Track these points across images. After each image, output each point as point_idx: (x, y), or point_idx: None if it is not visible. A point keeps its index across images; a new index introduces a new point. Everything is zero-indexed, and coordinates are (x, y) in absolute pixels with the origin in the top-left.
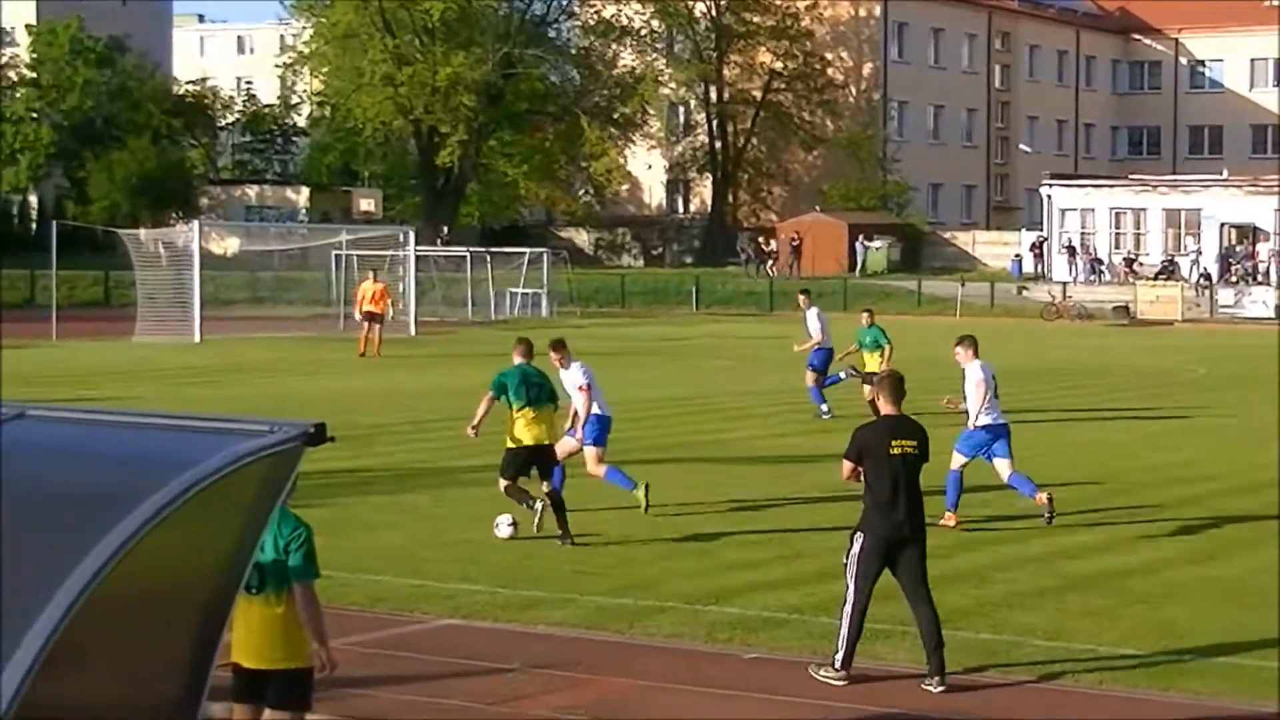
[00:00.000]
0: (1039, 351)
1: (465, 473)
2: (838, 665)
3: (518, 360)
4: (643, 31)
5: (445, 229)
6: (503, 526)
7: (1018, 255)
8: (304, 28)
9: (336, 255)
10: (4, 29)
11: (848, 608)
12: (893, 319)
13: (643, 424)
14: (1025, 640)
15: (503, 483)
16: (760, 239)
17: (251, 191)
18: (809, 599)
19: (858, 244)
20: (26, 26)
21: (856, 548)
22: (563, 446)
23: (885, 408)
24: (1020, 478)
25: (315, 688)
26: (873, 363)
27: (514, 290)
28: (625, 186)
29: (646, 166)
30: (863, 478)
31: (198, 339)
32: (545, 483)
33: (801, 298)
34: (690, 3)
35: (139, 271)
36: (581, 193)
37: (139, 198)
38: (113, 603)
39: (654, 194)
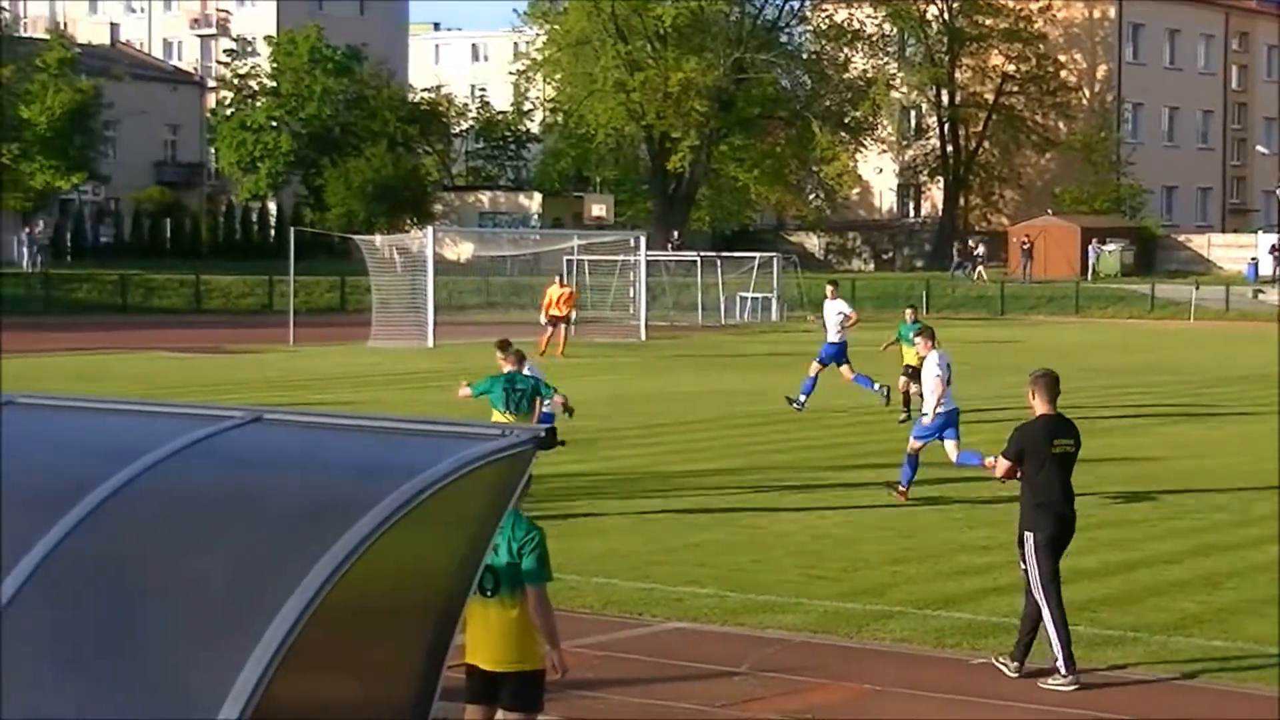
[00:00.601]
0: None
1: (694, 476)
2: (1063, 671)
3: (507, 368)
4: (874, 35)
5: (676, 234)
6: None
7: (1254, 258)
8: (537, 35)
9: (568, 260)
10: (245, 39)
11: (1045, 610)
12: (1125, 323)
13: (868, 428)
14: (1258, 649)
15: None
16: (970, 242)
17: (485, 198)
18: None
19: (1090, 247)
20: (266, 37)
21: (1030, 547)
22: None
23: (1041, 407)
24: (967, 454)
25: (546, 690)
26: (911, 356)
27: (744, 294)
28: (856, 191)
29: (877, 170)
30: (1022, 477)
31: (431, 344)
32: None
33: (829, 289)
34: (922, 6)
35: (374, 277)
36: (812, 197)
37: (375, 204)
38: (346, 606)
39: (885, 198)
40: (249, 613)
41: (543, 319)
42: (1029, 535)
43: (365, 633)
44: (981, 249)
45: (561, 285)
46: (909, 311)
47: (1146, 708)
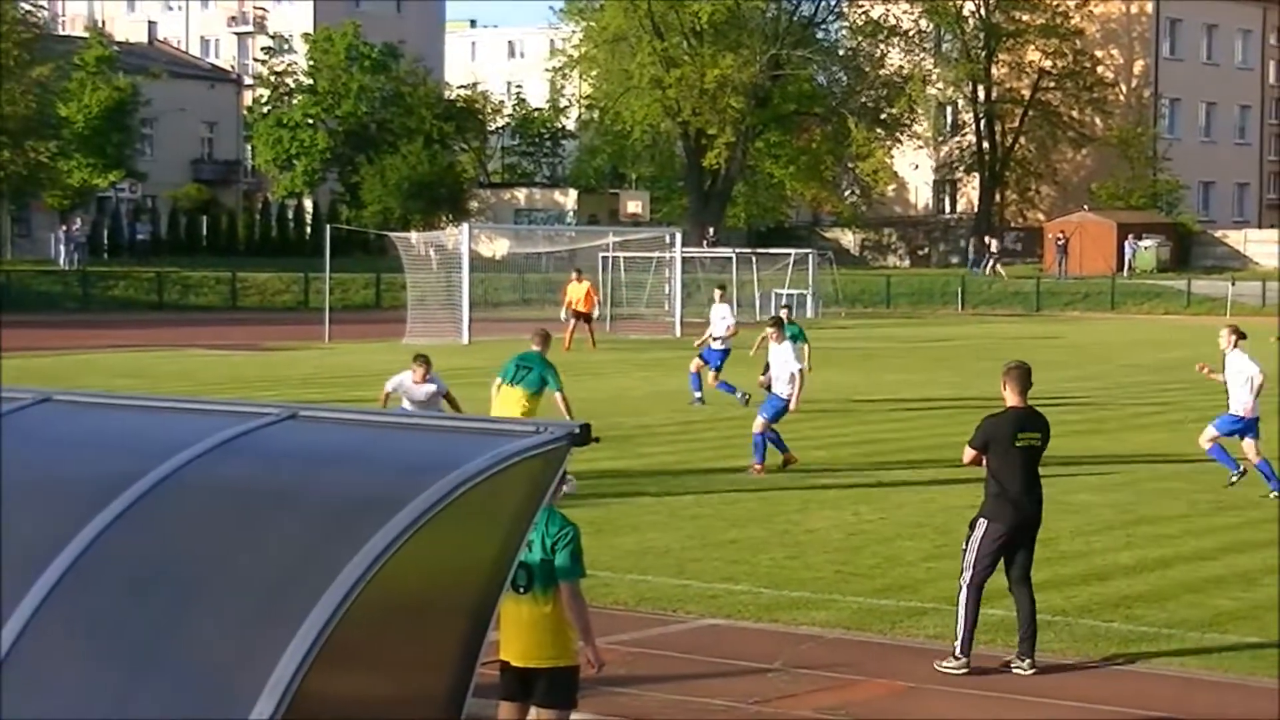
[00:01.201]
0: None
1: (730, 473)
2: (957, 653)
3: (534, 347)
4: (911, 31)
5: (712, 230)
6: None
7: None
8: (573, 31)
9: (604, 257)
10: (282, 37)
11: (963, 594)
12: (1161, 319)
13: (903, 425)
14: None
15: None
16: (987, 238)
17: (520, 194)
18: (1072, 600)
19: (1126, 243)
20: (303, 35)
21: (979, 534)
22: None
23: (1012, 399)
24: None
25: (580, 685)
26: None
27: (779, 291)
28: (892, 187)
29: (913, 167)
30: (986, 466)
31: (466, 340)
32: None
33: (718, 292)
34: (959, 2)
35: (409, 274)
36: (848, 193)
37: (411, 201)
38: (381, 602)
39: (920, 194)
40: (285, 608)
41: (563, 315)
42: (981, 521)
43: (400, 628)
44: (995, 245)
45: (579, 280)
46: None
47: (1181, 703)
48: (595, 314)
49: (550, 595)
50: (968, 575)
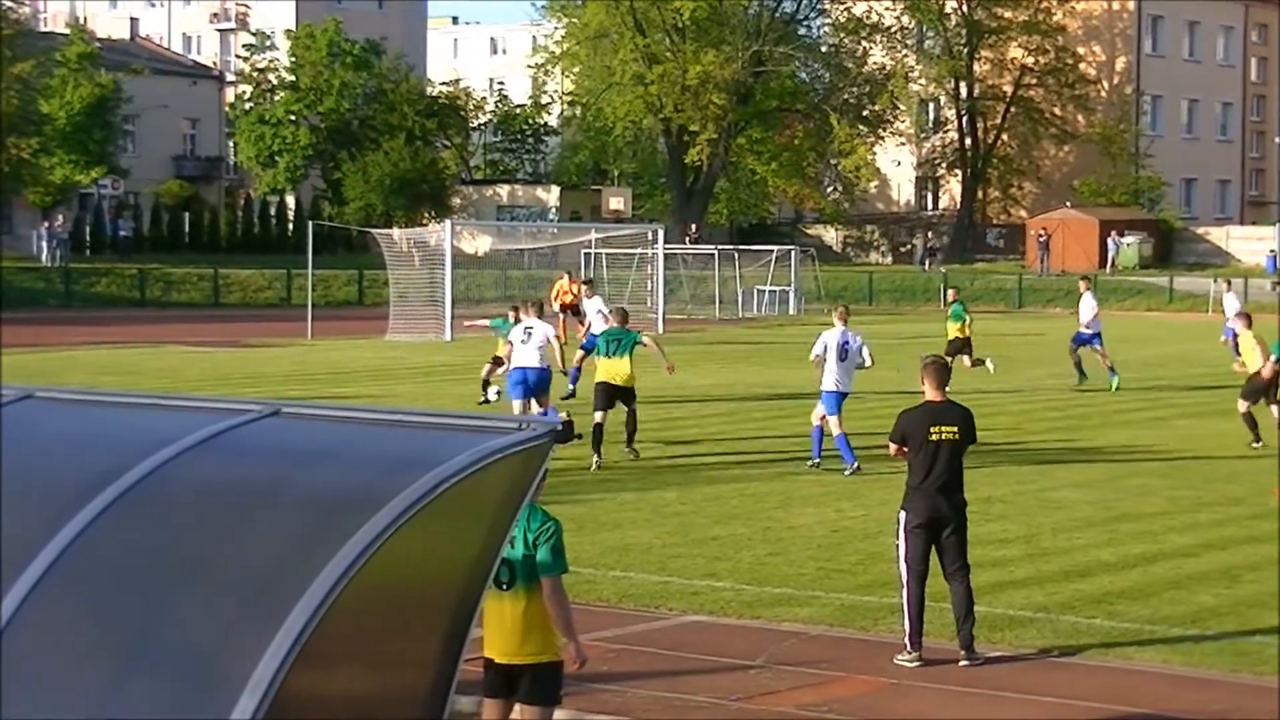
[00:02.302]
0: None
1: (712, 470)
2: (908, 647)
3: (614, 323)
4: (893, 28)
5: (694, 227)
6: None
7: (1273, 251)
8: (555, 28)
9: (586, 254)
10: (264, 33)
11: (903, 589)
12: (1143, 316)
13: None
14: (1276, 641)
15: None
16: (928, 235)
17: (503, 191)
18: (1054, 597)
19: (1109, 240)
20: (285, 31)
21: (901, 527)
22: None
23: (929, 393)
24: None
25: (564, 682)
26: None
27: (761, 288)
28: (874, 183)
29: (895, 163)
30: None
31: (449, 337)
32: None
33: (585, 287)
34: None
35: (392, 271)
36: (830, 190)
37: (393, 198)
38: (363, 600)
39: (903, 191)
40: (268, 605)
41: (555, 307)
42: (901, 514)
43: (382, 626)
44: (934, 241)
45: (571, 282)
46: (952, 292)
47: (1163, 699)
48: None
49: (533, 591)
50: (902, 567)
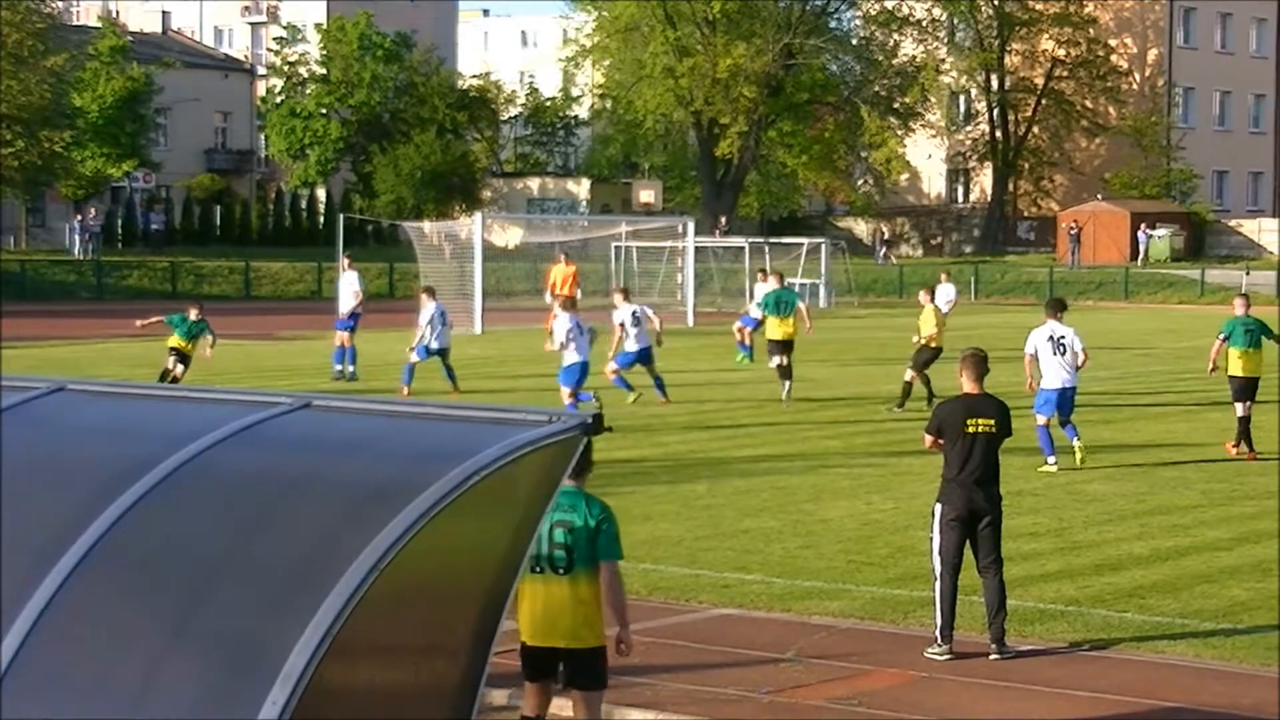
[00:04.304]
0: None
1: (743, 463)
2: (938, 640)
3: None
4: (924, 20)
5: (724, 219)
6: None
7: None
8: (586, 21)
9: (617, 247)
10: (295, 26)
11: (936, 582)
12: (1175, 309)
13: (918, 414)
14: None
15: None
16: (884, 229)
17: (534, 184)
18: (1085, 590)
19: (1140, 232)
20: (316, 25)
21: (937, 519)
22: None
23: (967, 385)
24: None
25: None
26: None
27: (792, 280)
28: (905, 176)
29: (926, 156)
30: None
31: (479, 330)
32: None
33: (619, 294)
34: None
35: (422, 264)
36: (861, 183)
37: (424, 191)
38: (395, 591)
39: (934, 183)
40: (300, 595)
41: (547, 298)
42: (938, 507)
43: (414, 617)
44: (887, 232)
45: (568, 264)
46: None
47: (1195, 693)
48: (579, 297)
49: (590, 576)
50: (936, 561)
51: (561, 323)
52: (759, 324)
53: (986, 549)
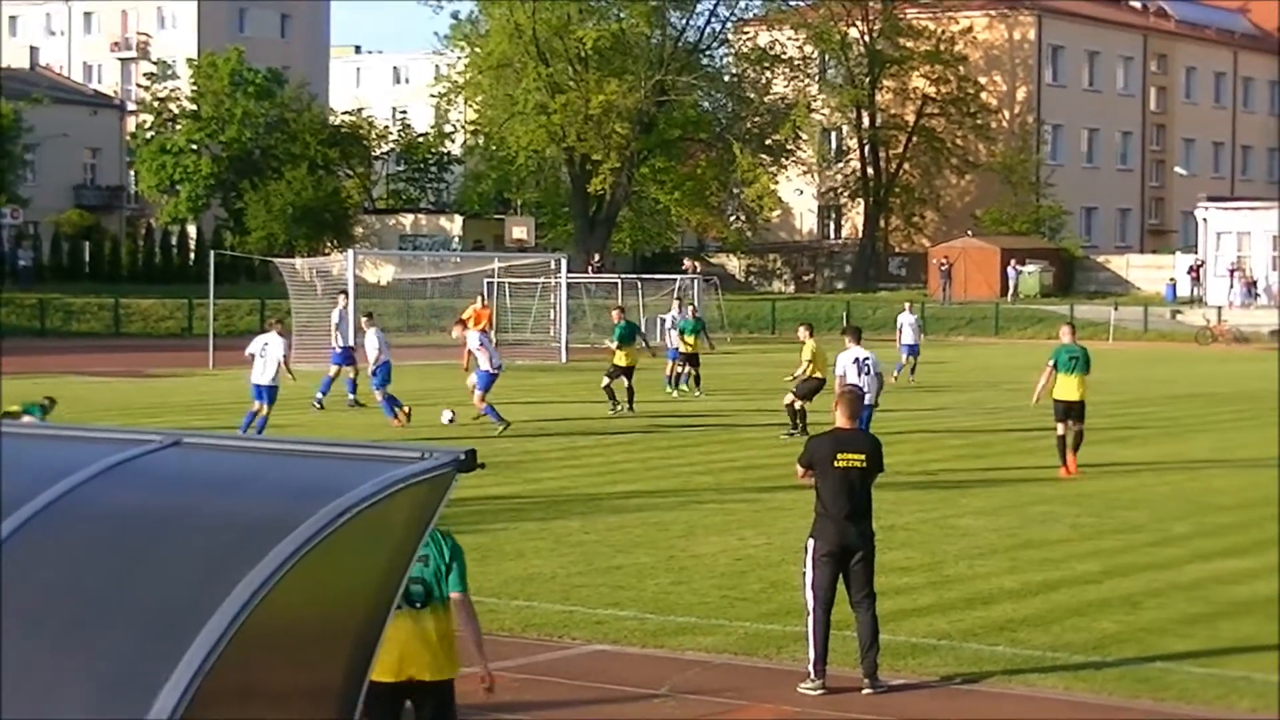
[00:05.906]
0: (1194, 376)
1: (616, 499)
2: (812, 675)
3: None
4: (795, 58)
5: (597, 256)
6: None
7: (1172, 279)
8: (459, 58)
9: (489, 283)
10: (166, 62)
11: (809, 617)
12: (1045, 344)
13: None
14: (1177, 668)
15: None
16: (686, 260)
17: (406, 220)
18: (957, 624)
19: (1010, 268)
20: (187, 60)
21: (809, 555)
22: None
23: (840, 420)
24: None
25: (469, 711)
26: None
27: (665, 316)
28: (777, 213)
29: (798, 192)
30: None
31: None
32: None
33: (364, 319)
34: (843, 29)
35: (294, 300)
36: (733, 219)
37: (296, 227)
38: (265, 631)
39: (805, 220)
40: (170, 636)
41: (455, 334)
42: (810, 542)
43: (285, 658)
44: (696, 266)
45: (484, 305)
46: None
47: None
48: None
49: (446, 609)
50: (809, 595)
51: (471, 338)
52: (678, 352)
53: (859, 584)
